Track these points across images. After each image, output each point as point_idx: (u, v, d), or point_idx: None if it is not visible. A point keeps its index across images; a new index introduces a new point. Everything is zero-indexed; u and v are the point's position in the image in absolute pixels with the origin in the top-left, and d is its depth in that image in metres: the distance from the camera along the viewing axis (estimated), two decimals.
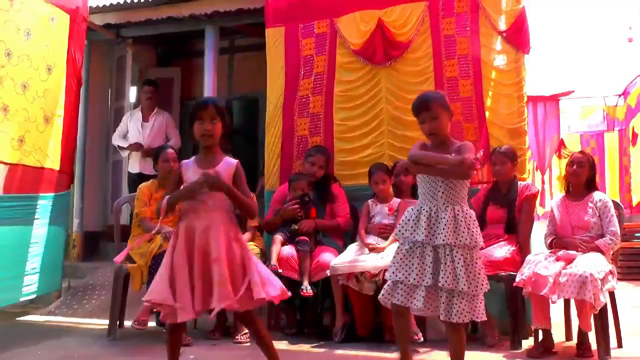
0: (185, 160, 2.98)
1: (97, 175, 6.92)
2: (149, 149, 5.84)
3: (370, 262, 3.99)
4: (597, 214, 3.90)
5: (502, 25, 4.69)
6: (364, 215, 4.47)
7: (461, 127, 4.73)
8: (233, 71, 7.93)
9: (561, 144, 10.64)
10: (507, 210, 4.20)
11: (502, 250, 4.03)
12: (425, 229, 2.78)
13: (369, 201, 4.49)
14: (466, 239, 2.74)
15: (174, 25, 6.32)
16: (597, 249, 3.76)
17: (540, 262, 3.71)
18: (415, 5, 4.89)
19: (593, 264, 3.55)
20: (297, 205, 4.43)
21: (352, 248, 4.26)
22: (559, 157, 10.81)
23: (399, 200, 4.43)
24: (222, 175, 2.82)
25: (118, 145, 6.31)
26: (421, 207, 2.85)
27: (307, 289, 4.07)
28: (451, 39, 4.82)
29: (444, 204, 2.80)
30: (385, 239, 4.24)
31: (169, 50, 8.17)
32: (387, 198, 4.44)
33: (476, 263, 2.77)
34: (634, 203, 9.67)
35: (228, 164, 2.89)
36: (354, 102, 5.01)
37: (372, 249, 4.12)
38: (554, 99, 9.79)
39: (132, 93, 7.20)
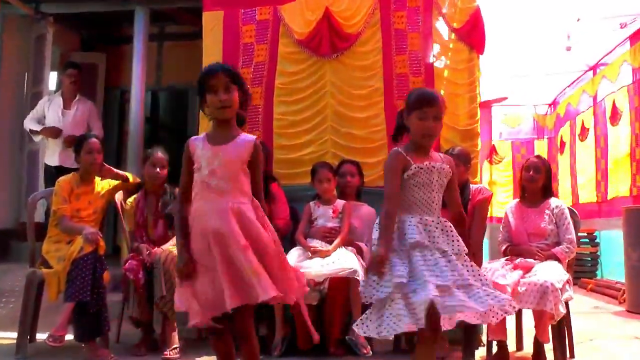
0: (195, 137, 2.59)
1: (9, 166, 6.26)
2: (70, 139, 5.25)
3: (315, 268, 3.67)
4: (554, 221, 3.75)
5: (456, 23, 4.50)
6: (304, 218, 4.15)
7: None
8: (162, 60, 7.41)
9: (493, 149, 10.75)
10: None
11: None
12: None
13: (311, 203, 4.18)
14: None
15: (100, 4, 5.79)
16: (554, 257, 3.61)
17: (497, 270, 3.52)
18: None
19: (553, 273, 3.39)
20: None
21: (294, 253, 3.91)
22: (490, 162, 10.93)
23: (343, 202, 4.13)
24: (232, 155, 2.47)
25: (30, 129, 5.65)
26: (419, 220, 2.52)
27: None
28: (402, 34, 4.59)
29: (438, 215, 2.57)
30: (330, 243, 3.93)
31: (94, 34, 7.54)
32: (331, 199, 4.14)
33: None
34: None
35: (244, 141, 2.51)
36: (297, 96, 4.69)
37: (315, 252, 3.81)
38: (487, 105, 9.83)
39: (53, 79, 6.56)
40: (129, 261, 3.79)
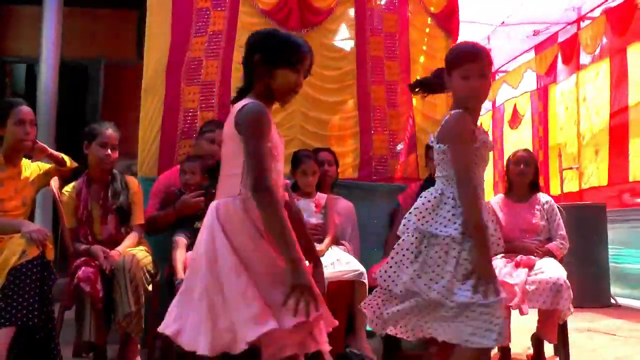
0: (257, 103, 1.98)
1: None
2: None
3: None
4: (545, 217, 3.63)
5: (434, 7, 4.29)
6: None
7: (384, 114, 4.21)
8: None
9: None
10: None
11: None
12: None
13: None
14: None
15: None
16: (550, 253, 3.49)
17: (502, 268, 3.30)
18: None
19: (560, 270, 3.25)
20: (201, 197, 3.31)
21: None
22: None
23: (324, 195, 3.69)
24: None
25: None
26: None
27: None
28: (378, 14, 4.27)
29: None
30: (317, 242, 3.42)
31: None
32: (312, 193, 3.67)
33: None
34: None
35: None
36: None
37: None
38: None
39: None
40: (82, 268, 2.92)
